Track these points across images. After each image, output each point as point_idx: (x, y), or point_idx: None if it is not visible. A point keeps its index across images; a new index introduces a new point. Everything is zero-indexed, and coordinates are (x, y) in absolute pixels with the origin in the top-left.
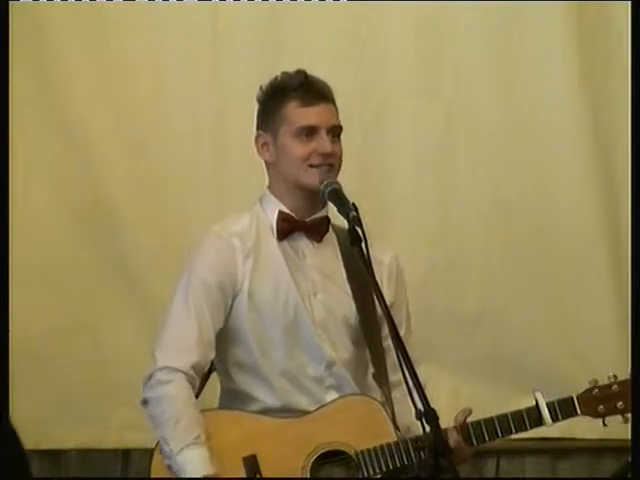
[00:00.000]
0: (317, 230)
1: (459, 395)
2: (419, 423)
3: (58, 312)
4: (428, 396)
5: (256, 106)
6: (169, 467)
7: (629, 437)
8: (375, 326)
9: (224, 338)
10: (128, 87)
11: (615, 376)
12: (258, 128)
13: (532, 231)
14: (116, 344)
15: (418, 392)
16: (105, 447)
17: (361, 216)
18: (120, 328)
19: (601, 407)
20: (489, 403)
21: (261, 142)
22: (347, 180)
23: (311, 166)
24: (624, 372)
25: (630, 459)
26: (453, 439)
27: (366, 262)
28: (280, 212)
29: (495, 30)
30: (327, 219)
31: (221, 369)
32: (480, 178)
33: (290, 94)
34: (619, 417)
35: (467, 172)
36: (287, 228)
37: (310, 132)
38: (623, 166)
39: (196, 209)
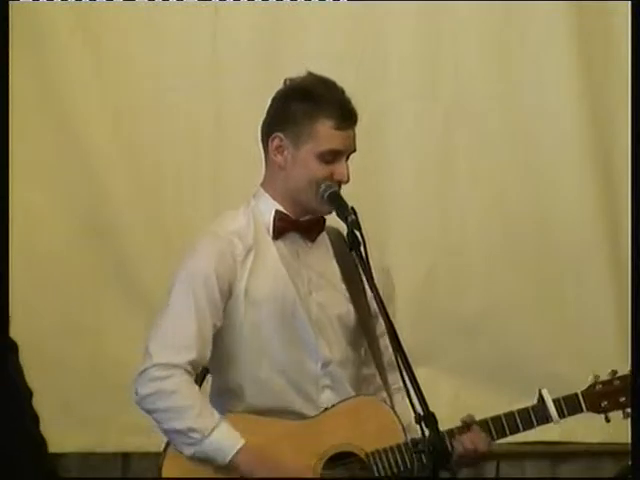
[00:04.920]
0: (312, 230)
1: (459, 397)
2: (418, 427)
3: (58, 315)
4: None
5: (263, 99)
6: (193, 457)
7: (629, 441)
8: (371, 326)
9: (221, 336)
10: (128, 89)
11: (615, 371)
12: (276, 129)
13: (532, 232)
14: (116, 347)
15: (417, 395)
16: (105, 451)
17: (360, 220)
18: (120, 331)
19: (605, 403)
20: (490, 405)
21: (277, 144)
22: None
23: None
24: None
25: (630, 462)
26: (468, 440)
27: (365, 265)
28: (277, 211)
29: (495, 30)
30: (323, 220)
31: (215, 367)
32: (480, 179)
33: (327, 110)
34: (619, 417)
35: (467, 173)
36: (283, 227)
37: (334, 156)
38: (623, 166)
39: (196, 212)
